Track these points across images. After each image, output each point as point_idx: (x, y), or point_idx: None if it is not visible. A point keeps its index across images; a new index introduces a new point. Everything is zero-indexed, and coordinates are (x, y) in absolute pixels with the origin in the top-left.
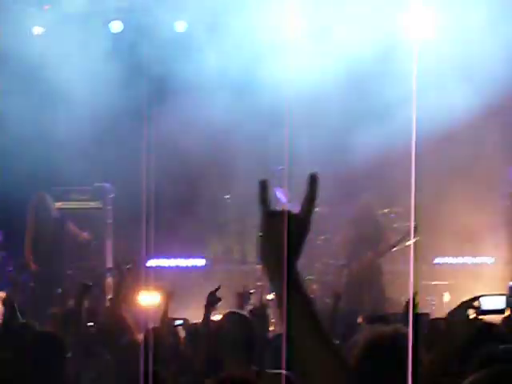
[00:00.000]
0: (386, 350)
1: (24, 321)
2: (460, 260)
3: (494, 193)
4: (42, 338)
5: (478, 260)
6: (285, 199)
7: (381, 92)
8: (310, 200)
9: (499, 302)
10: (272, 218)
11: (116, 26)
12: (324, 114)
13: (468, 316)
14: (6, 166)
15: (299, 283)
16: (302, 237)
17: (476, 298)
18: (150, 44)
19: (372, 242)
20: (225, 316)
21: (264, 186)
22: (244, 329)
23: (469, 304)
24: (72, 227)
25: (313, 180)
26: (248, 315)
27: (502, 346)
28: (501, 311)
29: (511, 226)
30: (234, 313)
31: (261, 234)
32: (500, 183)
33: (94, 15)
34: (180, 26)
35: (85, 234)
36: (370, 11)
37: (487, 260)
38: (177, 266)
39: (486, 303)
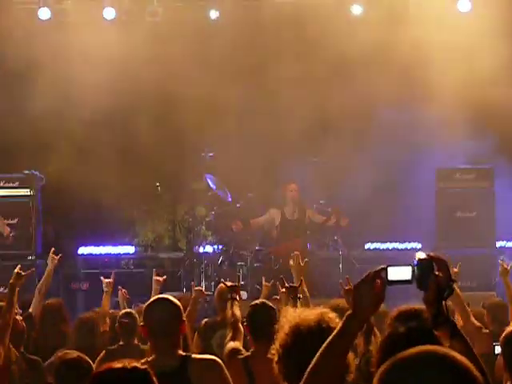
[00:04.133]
0: (311, 334)
1: None
2: (389, 245)
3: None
4: None
5: (406, 245)
6: (214, 186)
7: None
8: None
9: (405, 273)
10: None
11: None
12: None
13: (375, 286)
14: None
15: None
16: None
17: (383, 269)
18: None
19: (297, 225)
20: (151, 301)
21: None
22: (170, 312)
23: (375, 274)
24: None
25: None
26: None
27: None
28: (407, 281)
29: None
30: (159, 298)
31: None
32: None
33: None
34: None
35: (7, 229)
36: None
37: (415, 245)
38: (107, 254)
39: (393, 274)
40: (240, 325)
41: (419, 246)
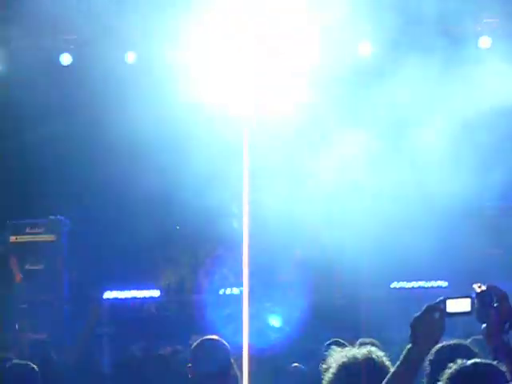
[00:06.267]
0: (359, 374)
1: None
2: (415, 284)
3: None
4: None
5: (432, 284)
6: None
7: None
8: None
9: (464, 305)
10: None
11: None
12: None
13: (434, 319)
14: None
15: None
16: None
17: (442, 301)
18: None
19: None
20: (200, 342)
21: None
22: (219, 354)
23: (434, 307)
24: (13, 263)
25: None
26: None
27: (470, 361)
28: (466, 313)
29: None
30: (208, 339)
31: None
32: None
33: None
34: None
35: (18, 275)
36: None
37: (442, 284)
38: (132, 298)
39: (452, 306)
40: None
41: (445, 284)
